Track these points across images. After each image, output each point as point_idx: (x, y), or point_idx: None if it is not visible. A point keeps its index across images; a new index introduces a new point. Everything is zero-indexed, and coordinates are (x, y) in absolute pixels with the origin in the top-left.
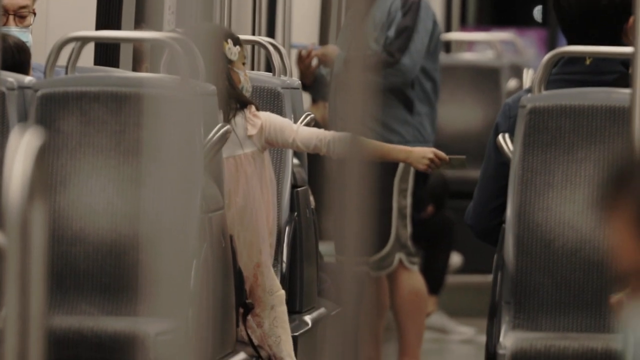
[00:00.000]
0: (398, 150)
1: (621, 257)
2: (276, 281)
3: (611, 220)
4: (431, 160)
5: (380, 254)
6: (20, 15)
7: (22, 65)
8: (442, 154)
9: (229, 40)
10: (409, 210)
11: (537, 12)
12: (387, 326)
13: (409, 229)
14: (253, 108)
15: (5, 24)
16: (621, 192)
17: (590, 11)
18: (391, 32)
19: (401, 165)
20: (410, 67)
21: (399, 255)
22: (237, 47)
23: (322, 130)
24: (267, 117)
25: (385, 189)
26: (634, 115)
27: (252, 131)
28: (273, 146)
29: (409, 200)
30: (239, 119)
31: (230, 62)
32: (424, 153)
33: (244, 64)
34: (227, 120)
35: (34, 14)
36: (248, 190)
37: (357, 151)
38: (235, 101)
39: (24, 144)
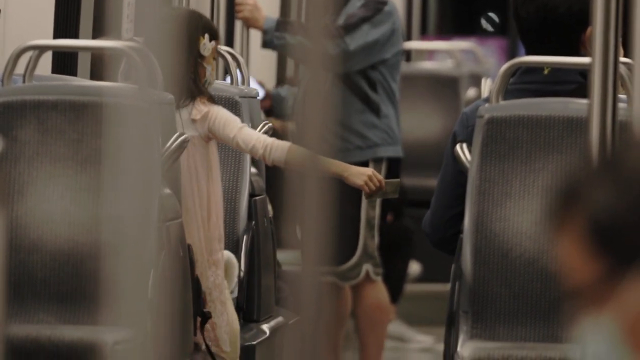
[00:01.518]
0: (337, 164)
1: (570, 273)
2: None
3: (560, 235)
4: (370, 177)
5: (347, 265)
6: None
7: None
8: (380, 176)
9: (206, 36)
10: (377, 221)
11: (487, 20)
12: (346, 335)
13: (377, 239)
14: (206, 98)
15: None
16: (570, 207)
17: (548, 20)
18: (341, 20)
19: None
20: (354, 50)
21: (366, 267)
22: (213, 42)
23: (265, 135)
24: (216, 109)
25: (353, 200)
26: (591, 125)
27: (196, 116)
28: (216, 138)
29: (377, 211)
30: (189, 105)
31: (201, 56)
32: (363, 170)
33: (214, 58)
34: (177, 106)
35: None
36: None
37: (313, 165)
38: (191, 92)
39: None
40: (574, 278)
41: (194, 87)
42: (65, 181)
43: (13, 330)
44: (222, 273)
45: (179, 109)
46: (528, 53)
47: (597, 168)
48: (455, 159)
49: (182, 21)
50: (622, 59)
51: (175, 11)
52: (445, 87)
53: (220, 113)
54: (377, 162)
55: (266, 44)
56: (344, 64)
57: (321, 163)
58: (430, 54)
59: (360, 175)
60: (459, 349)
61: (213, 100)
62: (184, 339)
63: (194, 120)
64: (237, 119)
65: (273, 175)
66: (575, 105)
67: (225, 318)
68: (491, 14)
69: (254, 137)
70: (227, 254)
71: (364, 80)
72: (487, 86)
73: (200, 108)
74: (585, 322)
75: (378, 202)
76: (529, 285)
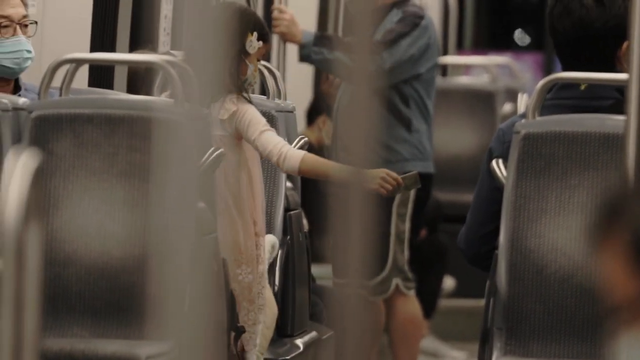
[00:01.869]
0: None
1: (613, 288)
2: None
3: (603, 251)
4: (383, 179)
5: (377, 279)
6: (24, 24)
7: None
8: (394, 174)
9: (255, 34)
10: (407, 235)
11: (519, 34)
12: (380, 349)
13: (406, 253)
14: (238, 97)
15: (13, 34)
16: (613, 223)
17: (583, 35)
18: (378, 36)
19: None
20: (390, 66)
21: (396, 281)
22: (260, 42)
23: (283, 142)
24: (244, 108)
25: (383, 214)
26: (628, 142)
27: (224, 115)
28: (243, 137)
29: (407, 225)
30: (221, 102)
31: (245, 53)
32: (376, 173)
33: (259, 60)
34: (210, 100)
35: (36, 23)
36: None
37: (357, 178)
38: (226, 86)
39: (20, 166)
40: (616, 294)
41: (229, 82)
42: (100, 195)
43: (47, 344)
44: (256, 270)
45: (212, 103)
46: (564, 68)
47: (637, 184)
48: (491, 174)
49: (232, 14)
50: None
51: (226, 5)
52: (480, 102)
53: (248, 112)
54: None
55: (303, 58)
56: (379, 80)
57: (333, 170)
58: (466, 69)
59: (374, 178)
60: None
61: (248, 99)
62: (218, 354)
63: (222, 120)
64: (262, 121)
65: (309, 190)
66: (611, 122)
67: (253, 316)
68: (527, 29)
69: (272, 143)
70: (268, 235)
71: (396, 95)
72: (523, 101)
73: (229, 107)
74: (625, 337)
75: (408, 216)
76: (564, 302)
